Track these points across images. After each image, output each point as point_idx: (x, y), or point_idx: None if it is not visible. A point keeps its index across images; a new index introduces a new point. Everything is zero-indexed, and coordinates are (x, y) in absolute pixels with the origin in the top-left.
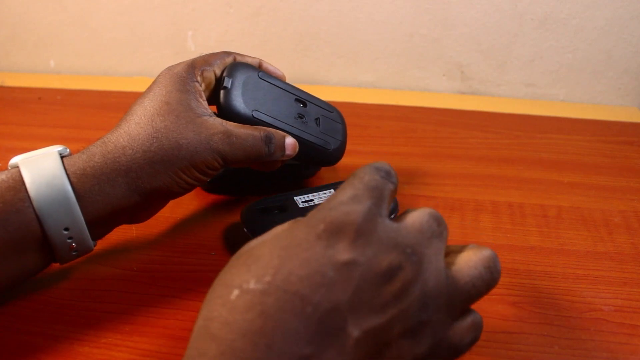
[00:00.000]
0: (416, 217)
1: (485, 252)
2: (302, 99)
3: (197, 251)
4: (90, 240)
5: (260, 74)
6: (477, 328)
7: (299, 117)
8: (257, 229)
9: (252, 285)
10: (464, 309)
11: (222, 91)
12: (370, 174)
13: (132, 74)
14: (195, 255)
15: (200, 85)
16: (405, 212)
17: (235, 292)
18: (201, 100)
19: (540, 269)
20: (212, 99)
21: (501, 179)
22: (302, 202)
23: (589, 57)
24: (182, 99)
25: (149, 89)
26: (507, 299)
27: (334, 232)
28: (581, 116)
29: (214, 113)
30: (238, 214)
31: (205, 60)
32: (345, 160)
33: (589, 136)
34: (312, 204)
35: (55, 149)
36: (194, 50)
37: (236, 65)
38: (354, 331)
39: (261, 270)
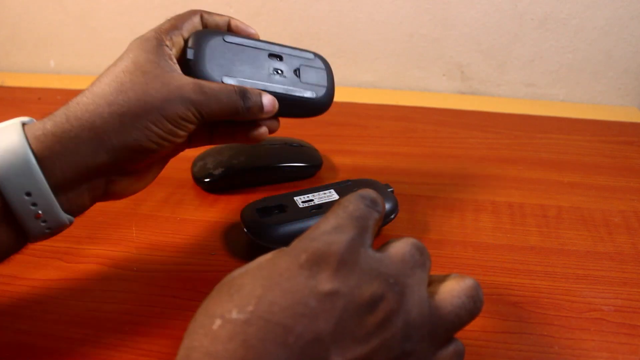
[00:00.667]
0: (399, 248)
1: (468, 282)
2: (277, 53)
3: (197, 251)
4: (59, 208)
5: (226, 37)
6: (459, 356)
7: (275, 72)
8: (257, 229)
9: (234, 315)
10: (448, 338)
11: (187, 63)
12: (355, 202)
13: None
14: (195, 255)
15: (171, 50)
16: (388, 242)
17: (218, 321)
18: (171, 62)
19: (540, 269)
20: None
21: (501, 179)
22: (302, 202)
23: (589, 57)
24: (151, 59)
25: (120, 56)
26: (507, 299)
27: (316, 262)
28: (581, 116)
29: None
30: (238, 214)
31: (173, 25)
32: (345, 160)
33: (589, 136)
34: (312, 204)
35: (18, 120)
36: None
37: (199, 33)
38: None
39: (243, 300)
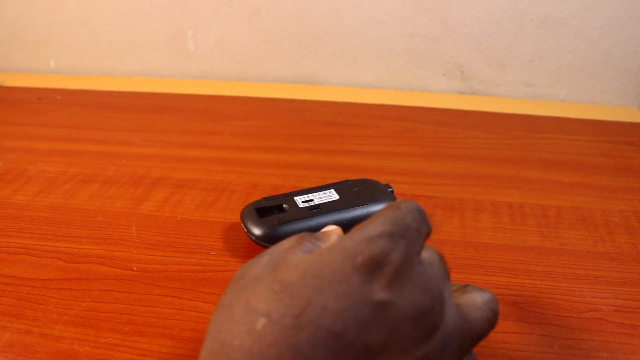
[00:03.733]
0: (429, 258)
1: (488, 295)
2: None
3: (197, 251)
4: None
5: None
6: None
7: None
8: (257, 229)
9: (282, 316)
10: (470, 350)
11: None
12: (412, 213)
13: (132, 74)
14: (195, 255)
15: None
16: None
17: (262, 320)
18: None
19: (540, 269)
20: None
21: (501, 179)
22: (302, 202)
23: (589, 57)
24: None
25: None
26: (507, 299)
27: (373, 268)
28: (581, 116)
29: None
30: (238, 214)
31: None
32: (345, 160)
33: (589, 136)
34: (312, 203)
35: None
36: (193, 50)
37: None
38: None
39: (293, 301)
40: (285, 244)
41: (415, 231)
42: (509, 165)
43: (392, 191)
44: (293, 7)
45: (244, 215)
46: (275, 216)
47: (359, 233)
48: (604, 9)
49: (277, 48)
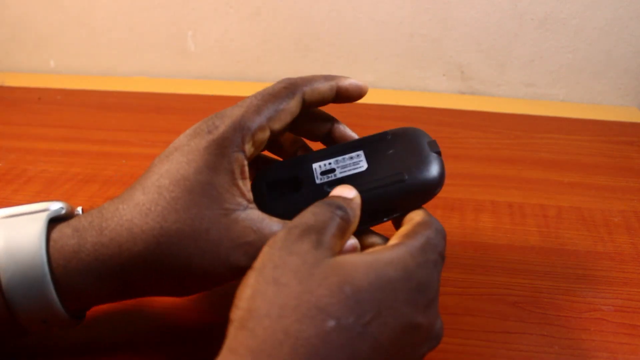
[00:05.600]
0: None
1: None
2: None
3: None
4: (71, 323)
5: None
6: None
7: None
8: (266, 209)
9: (351, 323)
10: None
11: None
12: (443, 239)
13: (132, 74)
14: None
15: (247, 154)
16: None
17: (331, 323)
18: (238, 183)
19: (540, 269)
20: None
21: (501, 179)
22: (321, 173)
23: (589, 57)
24: (209, 181)
25: (176, 145)
26: (507, 299)
27: (422, 292)
28: (581, 116)
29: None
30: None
31: (260, 114)
32: None
33: (589, 136)
34: (333, 177)
35: (45, 213)
36: (193, 50)
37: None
38: None
39: (361, 310)
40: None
41: (441, 259)
42: (509, 165)
43: (439, 153)
44: (293, 7)
45: (254, 191)
46: (284, 199)
47: (413, 252)
48: (604, 9)
49: (277, 48)
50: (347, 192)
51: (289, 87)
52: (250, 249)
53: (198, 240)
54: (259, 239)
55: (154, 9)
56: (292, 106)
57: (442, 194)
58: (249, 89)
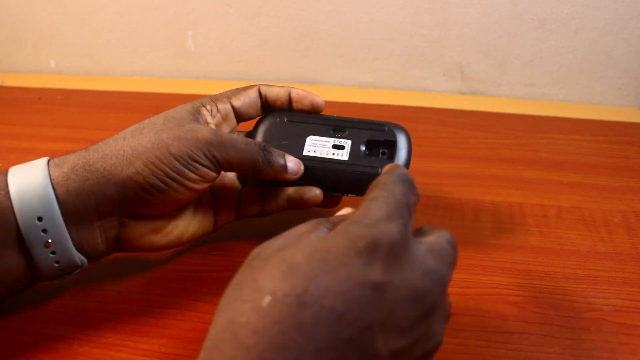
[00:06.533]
0: (435, 242)
1: (447, 233)
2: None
3: (197, 251)
4: (70, 240)
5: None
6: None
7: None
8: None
9: (287, 295)
10: None
11: None
12: (400, 187)
13: (132, 74)
14: (195, 255)
15: (212, 115)
16: (424, 231)
17: (268, 298)
18: (200, 118)
19: (540, 269)
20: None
21: (501, 179)
22: (308, 150)
23: (589, 57)
24: (181, 110)
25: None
26: (507, 299)
27: (373, 251)
28: (581, 116)
29: None
30: (354, 217)
31: (223, 94)
32: None
33: (589, 136)
34: (313, 163)
35: (46, 158)
36: (193, 50)
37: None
38: (383, 349)
39: (298, 280)
40: (301, 228)
41: (407, 207)
42: (509, 165)
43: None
44: (293, 7)
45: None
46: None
47: (358, 219)
48: (604, 9)
49: (277, 48)
50: (344, 211)
51: (251, 84)
52: (212, 130)
53: (169, 124)
54: (217, 130)
55: (154, 9)
56: (249, 92)
57: (442, 193)
58: None
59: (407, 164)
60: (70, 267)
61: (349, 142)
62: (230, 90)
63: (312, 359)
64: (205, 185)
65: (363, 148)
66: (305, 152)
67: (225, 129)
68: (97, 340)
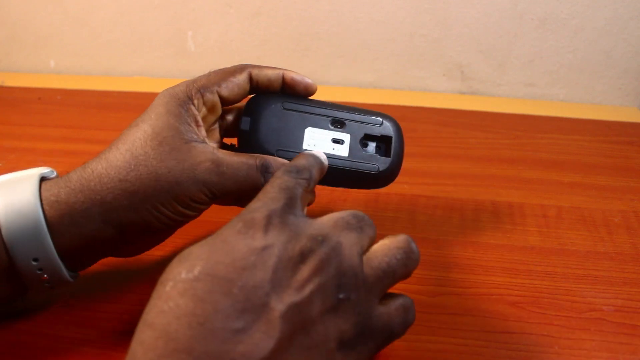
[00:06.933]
0: (333, 215)
1: (400, 237)
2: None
3: None
4: (65, 271)
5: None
6: (407, 310)
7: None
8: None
9: (183, 275)
10: (385, 288)
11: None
12: (282, 177)
13: (132, 74)
14: None
15: (198, 109)
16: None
17: (170, 284)
18: (193, 125)
19: (540, 269)
20: (231, 133)
21: (501, 179)
22: (308, 142)
23: (589, 57)
24: (170, 123)
25: (145, 111)
26: (507, 299)
27: (250, 226)
28: (581, 116)
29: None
30: (237, 213)
31: (209, 80)
32: None
33: (589, 136)
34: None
35: (38, 171)
36: (193, 50)
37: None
38: (277, 305)
39: (191, 263)
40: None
41: (288, 190)
42: (509, 165)
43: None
44: (293, 7)
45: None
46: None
47: (242, 212)
48: (604, 9)
49: (277, 48)
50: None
51: (240, 66)
52: (212, 166)
53: (164, 159)
54: (216, 159)
55: (154, 9)
56: (239, 79)
57: (442, 193)
58: None
59: (401, 158)
60: (62, 285)
61: (348, 136)
62: (216, 74)
63: (214, 321)
64: (200, 212)
65: (361, 143)
66: (305, 146)
67: (211, 119)
68: (97, 340)
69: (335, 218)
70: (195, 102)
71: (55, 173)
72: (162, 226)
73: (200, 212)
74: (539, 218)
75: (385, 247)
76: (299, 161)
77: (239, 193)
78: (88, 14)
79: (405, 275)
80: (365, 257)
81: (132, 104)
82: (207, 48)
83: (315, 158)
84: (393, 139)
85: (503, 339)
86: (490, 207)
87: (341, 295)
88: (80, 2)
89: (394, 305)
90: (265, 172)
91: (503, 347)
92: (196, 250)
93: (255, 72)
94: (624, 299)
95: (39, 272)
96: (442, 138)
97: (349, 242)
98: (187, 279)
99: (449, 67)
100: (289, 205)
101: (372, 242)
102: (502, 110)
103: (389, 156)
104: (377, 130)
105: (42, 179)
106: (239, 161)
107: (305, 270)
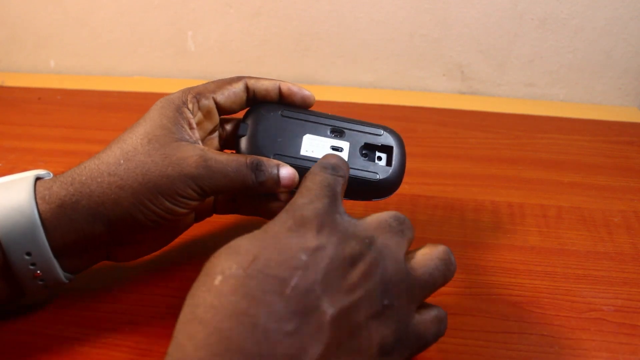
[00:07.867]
0: (377, 216)
1: (440, 248)
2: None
3: (197, 251)
4: (58, 268)
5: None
6: (441, 322)
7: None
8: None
9: (234, 270)
10: (424, 297)
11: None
12: (320, 173)
13: (132, 74)
14: (195, 255)
15: (193, 113)
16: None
17: (219, 277)
18: (185, 127)
19: (540, 269)
20: (229, 143)
21: (501, 179)
22: (306, 149)
23: (589, 57)
24: (163, 123)
25: (142, 116)
26: (507, 299)
27: (301, 225)
28: (581, 116)
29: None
30: (238, 214)
31: (206, 87)
32: None
33: (589, 136)
34: (308, 164)
35: (34, 172)
36: (193, 50)
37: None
38: (329, 309)
39: (242, 258)
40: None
41: (329, 187)
42: (509, 165)
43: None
44: (293, 7)
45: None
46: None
47: (287, 207)
48: (604, 9)
49: (277, 48)
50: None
51: (237, 76)
52: (199, 160)
53: (152, 154)
54: (204, 154)
55: (154, 9)
56: (235, 87)
57: (442, 193)
58: None
59: (403, 169)
60: (57, 287)
61: (347, 144)
62: (214, 83)
63: (266, 322)
64: (190, 210)
65: (361, 151)
66: (302, 152)
67: (208, 126)
68: (97, 340)
69: (379, 220)
70: (190, 106)
71: (51, 175)
72: (149, 223)
73: (189, 209)
74: (539, 218)
75: (427, 257)
76: (331, 159)
77: (230, 189)
78: (88, 14)
79: (442, 285)
80: (408, 264)
81: (132, 104)
82: (207, 48)
83: (341, 158)
84: (394, 148)
85: (503, 339)
86: (490, 207)
87: (386, 302)
88: (80, 2)
89: (429, 315)
90: (257, 170)
91: (503, 347)
92: (245, 244)
93: (252, 82)
94: (624, 299)
95: (32, 267)
96: (442, 138)
97: (393, 245)
98: (238, 275)
99: (449, 67)
100: (334, 203)
101: (410, 244)
102: (502, 110)
103: (390, 165)
104: (377, 140)
105: (38, 179)
106: (228, 157)
107: (354, 274)
